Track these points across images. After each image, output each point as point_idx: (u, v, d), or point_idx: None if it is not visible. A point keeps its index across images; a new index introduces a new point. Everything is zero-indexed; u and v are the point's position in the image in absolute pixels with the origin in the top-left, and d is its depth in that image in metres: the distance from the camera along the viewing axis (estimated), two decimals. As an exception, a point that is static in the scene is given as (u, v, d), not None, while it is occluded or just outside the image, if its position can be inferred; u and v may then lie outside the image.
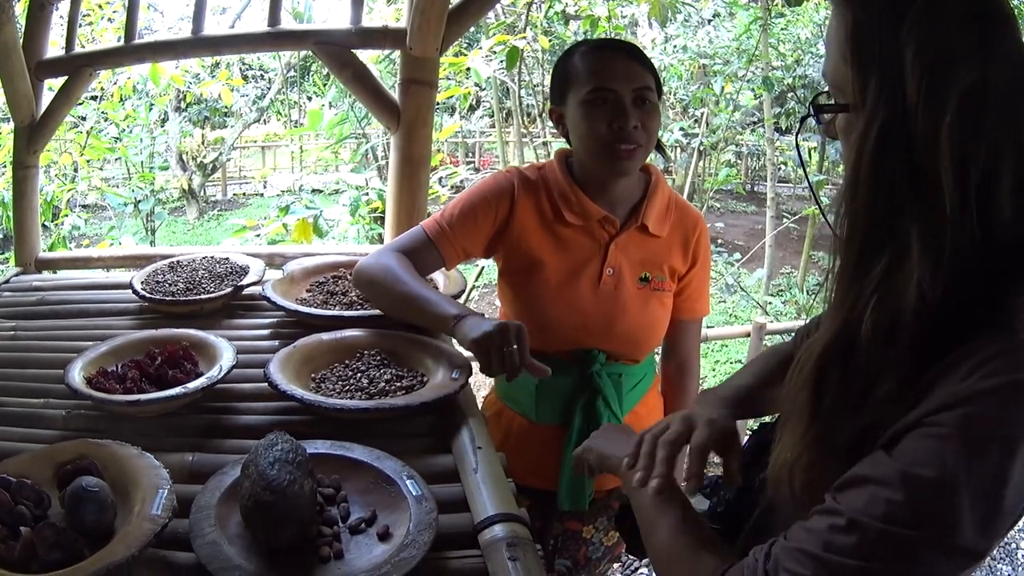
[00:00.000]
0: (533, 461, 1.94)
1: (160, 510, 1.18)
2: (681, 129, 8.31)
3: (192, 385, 1.61)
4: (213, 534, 1.17)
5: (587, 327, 1.88)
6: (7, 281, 2.61)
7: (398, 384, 1.67)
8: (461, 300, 2.04)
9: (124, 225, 8.15)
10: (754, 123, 11.24)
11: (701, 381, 6.01)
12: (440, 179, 5.95)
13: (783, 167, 12.34)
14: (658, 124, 1.79)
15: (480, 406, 1.69)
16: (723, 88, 7.69)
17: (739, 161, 14.18)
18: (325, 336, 1.84)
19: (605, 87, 1.72)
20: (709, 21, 8.72)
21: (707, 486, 1.32)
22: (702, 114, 8.50)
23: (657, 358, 2.17)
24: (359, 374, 1.71)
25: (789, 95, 9.56)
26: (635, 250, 1.89)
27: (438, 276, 2.16)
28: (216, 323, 2.06)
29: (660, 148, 1.94)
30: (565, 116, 1.84)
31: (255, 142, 14.08)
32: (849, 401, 0.91)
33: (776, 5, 7.70)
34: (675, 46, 8.35)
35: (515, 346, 1.54)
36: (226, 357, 1.71)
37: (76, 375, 1.64)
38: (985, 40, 0.83)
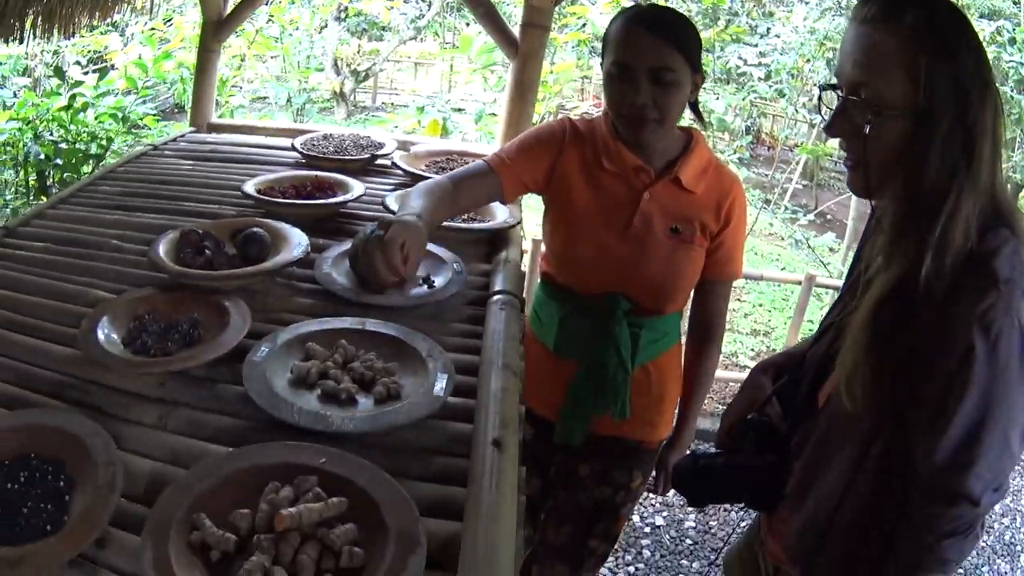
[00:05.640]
0: (545, 389, 2.07)
1: (299, 252, 1.85)
2: (804, 106, 8.55)
3: (332, 200, 2.28)
4: (328, 267, 1.85)
5: (614, 269, 1.93)
6: (183, 135, 3.25)
7: (475, 217, 2.28)
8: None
9: (275, 117, 8.90)
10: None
11: (746, 316, 6.32)
12: (567, 108, 6.45)
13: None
14: (678, 100, 1.81)
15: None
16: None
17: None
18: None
19: (621, 62, 1.78)
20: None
21: (738, 430, 1.68)
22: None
23: (683, 324, 2.20)
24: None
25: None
26: (668, 201, 1.91)
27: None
28: (356, 179, 2.54)
29: (698, 115, 2.00)
30: None
31: (408, 57, 14.57)
32: (897, 332, 1.26)
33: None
34: (808, 28, 8.50)
35: (380, 232, 1.59)
36: (355, 190, 2.35)
37: (250, 187, 2.31)
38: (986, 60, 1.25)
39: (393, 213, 2.19)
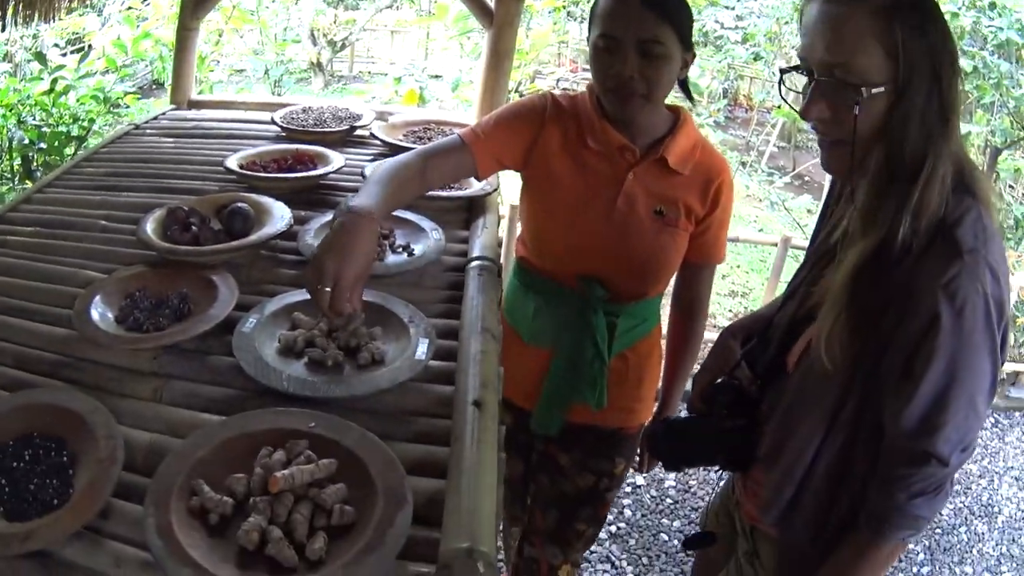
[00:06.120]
0: (520, 378, 2.02)
1: (283, 225, 1.90)
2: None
3: (313, 173, 2.32)
4: (311, 238, 1.91)
5: (595, 252, 1.88)
6: (164, 113, 3.26)
7: (453, 186, 2.30)
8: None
9: (253, 90, 8.91)
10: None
11: (724, 277, 6.41)
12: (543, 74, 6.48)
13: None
14: (666, 75, 1.72)
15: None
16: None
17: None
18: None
19: (609, 34, 1.69)
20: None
21: (709, 393, 1.72)
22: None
23: (663, 310, 2.14)
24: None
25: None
26: (653, 182, 1.85)
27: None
28: (335, 150, 2.59)
29: (686, 92, 1.92)
30: None
31: (385, 26, 14.51)
32: (874, 292, 1.30)
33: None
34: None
35: (328, 288, 1.36)
36: (335, 161, 2.40)
37: (233, 163, 2.35)
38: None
39: (364, 177, 2.24)
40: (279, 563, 1.05)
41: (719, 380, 1.73)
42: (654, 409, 2.20)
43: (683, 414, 1.82)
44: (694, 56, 1.81)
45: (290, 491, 1.14)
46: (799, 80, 1.39)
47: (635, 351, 2.03)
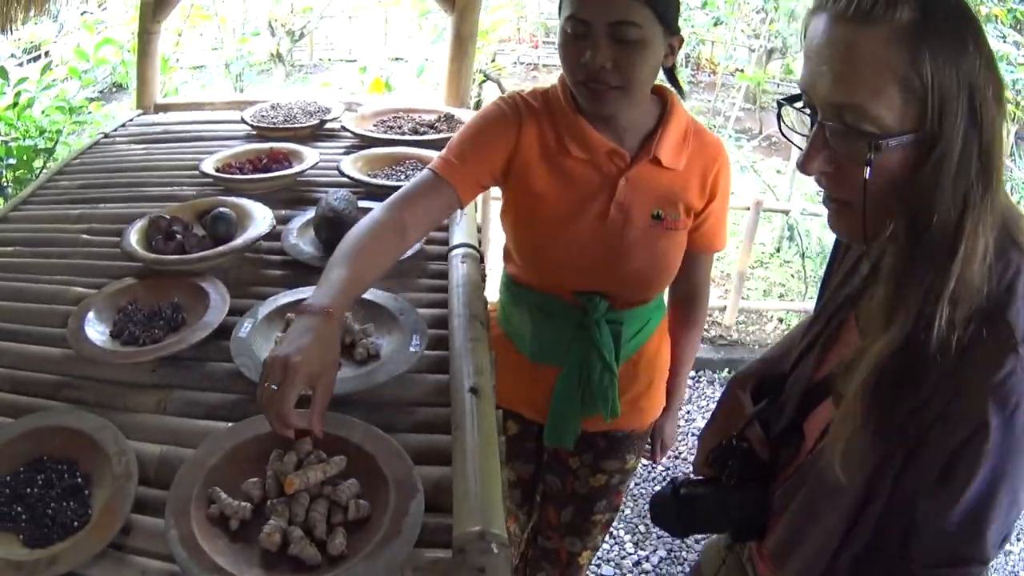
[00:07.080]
0: (525, 392, 1.96)
1: (266, 227, 1.92)
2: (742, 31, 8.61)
3: (289, 171, 2.33)
4: (294, 238, 1.94)
5: (591, 267, 1.73)
6: (131, 119, 3.25)
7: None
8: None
9: (215, 84, 8.85)
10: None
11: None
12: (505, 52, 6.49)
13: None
14: (645, 63, 1.51)
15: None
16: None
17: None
18: (381, 149, 2.51)
19: (578, 17, 1.48)
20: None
21: (717, 456, 1.49)
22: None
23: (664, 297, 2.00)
24: (402, 174, 2.35)
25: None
26: (647, 186, 1.67)
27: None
28: (308, 146, 2.60)
29: (674, 82, 1.73)
30: None
31: (342, 11, 14.40)
32: (900, 399, 1.06)
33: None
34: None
35: (274, 386, 1.15)
36: (310, 158, 2.41)
37: (208, 166, 2.37)
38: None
39: (349, 178, 2.25)
40: (302, 562, 1.08)
41: (733, 442, 1.50)
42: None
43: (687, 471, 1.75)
44: (682, 41, 1.59)
45: (305, 491, 1.17)
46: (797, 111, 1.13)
47: (643, 353, 1.93)
